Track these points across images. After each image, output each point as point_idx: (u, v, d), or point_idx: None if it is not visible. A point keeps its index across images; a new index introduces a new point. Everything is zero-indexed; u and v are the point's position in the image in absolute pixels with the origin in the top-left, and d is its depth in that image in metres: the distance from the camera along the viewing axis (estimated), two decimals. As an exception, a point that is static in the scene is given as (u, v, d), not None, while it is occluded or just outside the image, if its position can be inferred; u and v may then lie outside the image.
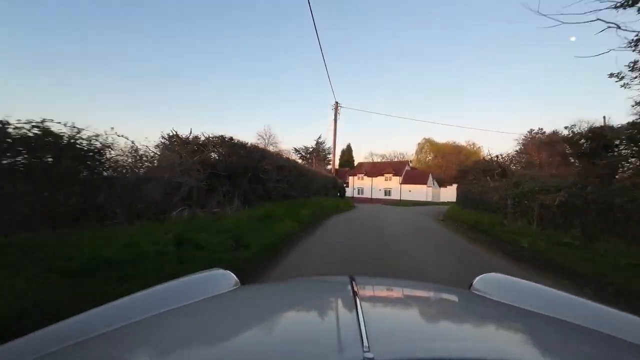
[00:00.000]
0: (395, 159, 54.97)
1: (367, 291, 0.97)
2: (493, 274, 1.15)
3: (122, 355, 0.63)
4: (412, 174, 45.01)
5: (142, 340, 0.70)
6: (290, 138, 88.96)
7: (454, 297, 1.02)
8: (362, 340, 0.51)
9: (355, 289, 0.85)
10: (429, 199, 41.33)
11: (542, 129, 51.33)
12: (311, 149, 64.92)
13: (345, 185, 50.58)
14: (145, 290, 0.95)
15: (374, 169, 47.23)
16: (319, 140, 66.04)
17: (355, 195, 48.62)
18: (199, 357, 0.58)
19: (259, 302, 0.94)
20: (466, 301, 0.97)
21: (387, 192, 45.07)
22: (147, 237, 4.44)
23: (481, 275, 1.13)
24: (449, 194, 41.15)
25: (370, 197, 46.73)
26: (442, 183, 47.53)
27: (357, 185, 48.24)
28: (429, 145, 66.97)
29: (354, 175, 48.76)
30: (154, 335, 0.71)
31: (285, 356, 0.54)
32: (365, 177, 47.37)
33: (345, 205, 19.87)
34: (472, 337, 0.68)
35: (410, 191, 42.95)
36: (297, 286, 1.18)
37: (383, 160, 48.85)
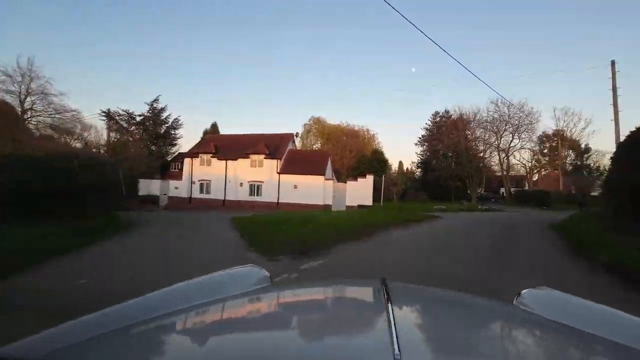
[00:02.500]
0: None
1: (400, 296, 0.90)
2: (542, 288, 1.03)
3: (153, 345, 0.65)
4: (298, 157, 25.83)
5: (174, 331, 0.74)
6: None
7: (494, 310, 0.95)
8: (394, 346, 0.49)
9: (388, 293, 0.79)
10: (327, 202, 23.10)
11: (448, 111, 42.09)
12: (141, 117, 37.43)
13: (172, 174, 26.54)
14: (179, 284, 0.95)
15: (232, 147, 25.52)
16: (156, 106, 39.17)
17: (196, 195, 25.66)
18: (226, 350, 0.59)
19: (289, 300, 0.96)
20: (508, 315, 0.90)
21: (256, 190, 24.39)
22: None
23: (528, 289, 1.02)
24: (361, 191, 23.97)
25: (222, 198, 24.83)
26: (339, 177, 30.60)
27: (200, 175, 25.41)
28: (317, 127, 50.55)
29: (195, 156, 25.78)
30: (186, 327, 0.76)
31: (315, 357, 0.53)
32: (216, 161, 25.18)
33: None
34: (511, 355, 0.63)
35: (296, 187, 23.66)
36: (329, 287, 1.19)
37: (250, 134, 27.73)
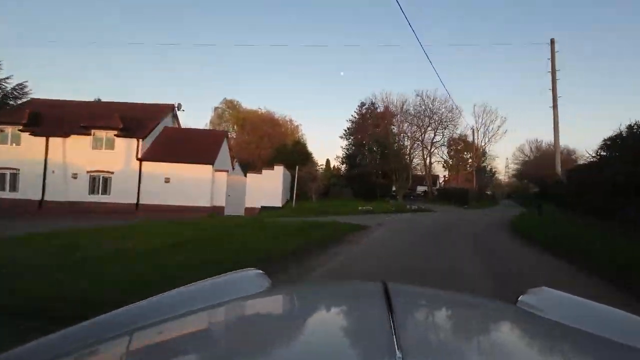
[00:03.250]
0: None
1: (402, 299, 0.89)
2: (544, 289, 1.01)
3: (151, 352, 0.64)
4: (177, 139, 17.90)
5: (173, 337, 0.72)
6: None
7: (496, 311, 0.95)
8: (395, 348, 0.50)
9: (389, 295, 0.79)
10: (219, 203, 16.07)
11: (374, 103, 39.12)
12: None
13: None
14: (178, 289, 0.93)
15: (65, 118, 16.18)
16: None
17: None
18: (227, 355, 0.59)
19: (290, 304, 0.97)
20: (510, 316, 0.90)
21: (101, 185, 15.78)
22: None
23: (531, 290, 1.01)
24: (267, 188, 17.50)
25: (40, 197, 15.45)
26: (247, 168, 23.63)
27: (1, 160, 15.46)
28: (231, 111, 42.43)
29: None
30: (185, 332, 0.74)
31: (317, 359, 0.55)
32: (30, 137, 15.57)
33: None
34: (513, 356, 0.62)
35: (168, 181, 15.93)
36: (329, 289, 1.20)
37: (102, 101, 18.56)
